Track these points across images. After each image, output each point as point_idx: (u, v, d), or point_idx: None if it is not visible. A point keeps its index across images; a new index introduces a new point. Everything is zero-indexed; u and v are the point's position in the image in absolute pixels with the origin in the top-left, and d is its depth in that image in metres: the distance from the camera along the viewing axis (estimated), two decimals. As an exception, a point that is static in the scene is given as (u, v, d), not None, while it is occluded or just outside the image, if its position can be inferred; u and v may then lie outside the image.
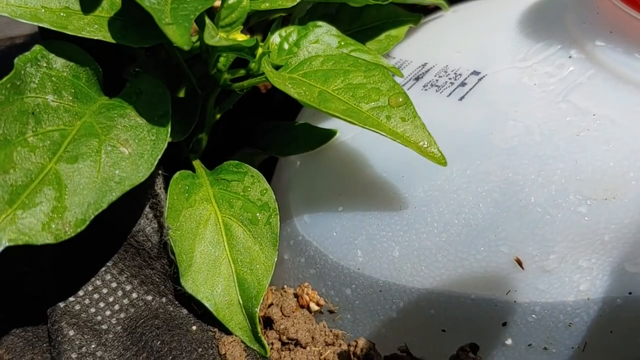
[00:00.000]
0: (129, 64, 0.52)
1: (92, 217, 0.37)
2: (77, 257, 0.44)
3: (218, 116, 0.54)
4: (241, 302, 0.44)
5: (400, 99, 0.43)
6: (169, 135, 0.40)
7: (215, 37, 0.40)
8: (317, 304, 0.48)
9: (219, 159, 0.53)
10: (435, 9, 0.63)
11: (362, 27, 0.57)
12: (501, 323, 0.44)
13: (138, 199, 0.44)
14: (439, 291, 0.45)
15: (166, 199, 0.44)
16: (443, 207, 0.45)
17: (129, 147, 0.40)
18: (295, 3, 0.50)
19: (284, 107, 0.68)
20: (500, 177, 0.44)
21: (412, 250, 0.45)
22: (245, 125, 0.59)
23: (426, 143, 0.42)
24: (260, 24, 0.61)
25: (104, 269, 0.45)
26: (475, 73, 0.49)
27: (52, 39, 0.43)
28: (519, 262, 0.43)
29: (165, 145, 0.40)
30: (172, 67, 0.52)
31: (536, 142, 0.44)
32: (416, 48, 0.57)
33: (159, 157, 0.40)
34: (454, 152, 0.44)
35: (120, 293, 0.45)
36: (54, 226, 0.36)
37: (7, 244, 0.35)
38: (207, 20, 0.40)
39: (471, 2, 0.62)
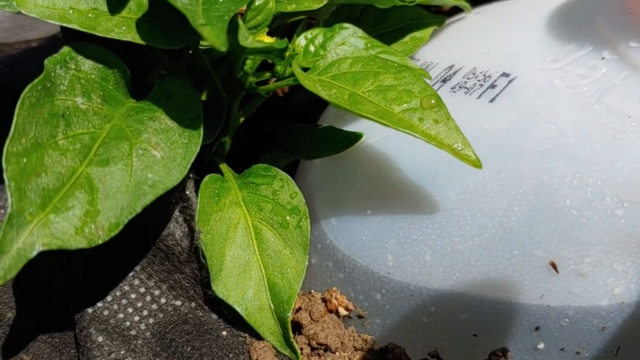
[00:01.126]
0: (152, 68, 0.51)
1: (126, 221, 0.37)
2: (105, 262, 0.44)
3: (242, 119, 0.54)
4: (272, 306, 0.44)
5: (433, 101, 0.43)
6: (201, 138, 0.40)
7: (248, 38, 0.40)
8: (346, 308, 0.47)
9: (241, 162, 0.53)
10: (458, 10, 0.62)
11: (386, 29, 0.57)
12: (534, 327, 0.44)
13: (167, 202, 0.44)
14: (471, 295, 0.44)
15: (197, 202, 0.43)
16: (476, 210, 0.44)
17: (161, 150, 0.39)
18: (322, 4, 0.49)
19: (302, 110, 0.67)
20: (535, 180, 0.44)
21: (444, 254, 0.45)
22: (267, 129, 0.58)
23: (461, 145, 0.41)
24: (280, 27, 0.61)
25: (132, 274, 0.44)
26: (505, 75, 0.49)
27: (75, 41, 0.42)
28: (554, 266, 0.43)
29: (198, 149, 0.39)
30: (196, 70, 0.51)
31: (571, 144, 0.44)
32: (441, 50, 0.56)
33: (192, 160, 0.39)
34: (486, 154, 0.43)
35: (149, 298, 0.44)
36: (87, 230, 0.36)
37: (41, 249, 0.34)
38: (240, 22, 0.39)
39: (493, 4, 0.62)
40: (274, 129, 0.57)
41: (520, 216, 0.43)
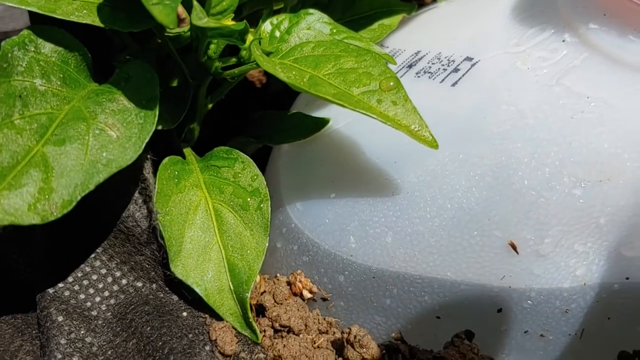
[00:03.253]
0: (120, 53, 0.52)
1: (79, 198, 0.37)
2: (67, 244, 0.44)
3: (210, 106, 0.54)
4: (232, 287, 0.44)
5: (392, 83, 0.43)
6: (156, 118, 0.40)
7: (203, 18, 0.40)
8: (310, 291, 0.48)
9: (211, 149, 0.53)
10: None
11: (354, 16, 0.57)
12: (496, 309, 0.44)
13: (127, 184, 0.44)
14: (432, 277, 0.45)
15: (155, 184, 0.44)
16: (436, 191, 0.45)
17: (117, 130, 0.40)
18: (288, -10, 0.50)
19: (277, 100, 0.67)
20: (494, 161, 0.44)
21: (404, 236, 0.45)
22: (237, 116, 0.59)
23: (417, 126, 0.41)
24: (252, 15, 0.61)
25: (93, 255, 0.44)
26: (469, 59, 0.49)
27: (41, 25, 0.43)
28: (514, 247, 0.43)
29: (153, 128, 0.40)
30: (164, 57, 0.52)
31: (530, 125, 0.44)
32: (409, 37, 0.56)
33: (147, 139, 0.39)
34: (447, 137, 0.44)
35: (110, 279, 0.44)
36: (40, 207, 0.36)
37: (-8, 225, 0.35)
38: (195, 2, 0.40)
39: (466, -7, 0.62)
40: (244, 115, 0.58)
41: (479, 197, 0.44)
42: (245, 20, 0.44)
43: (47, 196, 0.36)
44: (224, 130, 0.59)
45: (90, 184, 0.37)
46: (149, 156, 0.44)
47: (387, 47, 0.56)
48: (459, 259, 0.44)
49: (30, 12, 0.49)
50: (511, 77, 0.46)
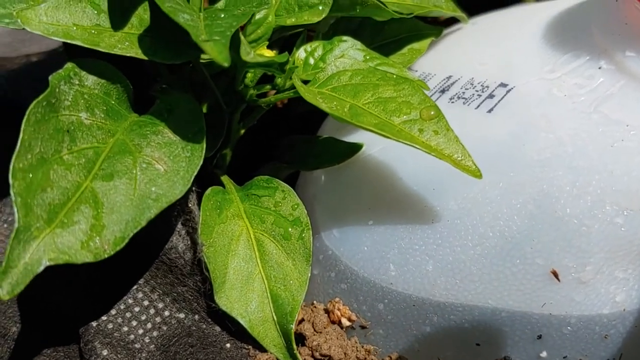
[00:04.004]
0: (153, 82, 0.52)
1: (131, 234, 0.37)
2: (109, 276, 0.44)
3: (242, 132, 0.54)
4: (275, 318, 0.44)
5: (432, 112, 0.43)
6: (204, 151, 0.40)
7: (250, 53, 0.40)
8: (349, 319, 0.48)
9: (242, 174, 0.53)
10: (454, 21, 0.62)
11: (384, 41, 0.57)
12: (536, 336, 0.44)
13: (170, 215, 0.44)
14: (473, 305, 0.45)
15: (199, 215, 0.44)
16: (477, 219, 0.45)
17: (164, 164, 0.40)
18: (321, 18, 0.50)
19: (301, 121, 0.67)
20: (535, 189, 0.44)
21: (446, 264, 0.45)
22: (267, 140, 0.59)
23: (460, 156, 0.42)
24: (278, 40, 0.61)
25: (135, 287, 0.44)
26: (503, 85, 0.49)
27: (78, 57, 0.43)
28: (555, 274, 0.43)
29: (201, 162, 0.40)
30: (196, 83, 0.52)
31: (569, 153, 0.44)
32: (439, 61, 0.57)
33: (195, 173, 0.39)
34: (486, 164, 0.43)
35: (152, 311, 0.44)
36: (92, 245, 0.36)
37: (48, 263, 0.35)
38: (242, 37, 0.40)
39: (489, 14, 0.62)
40: (273, 140, 0.58)
41: (521, 225, 0.44)
42: (286, 53, 0.44)
43: (99, 233, 0.36)
44: (254, 153, 0.59)
45: (141, 220, 0.37)
46: (193, 188, 0.44)
47: (417, 72, 0.56)
48: (501, 286, 0.44)
49: (65, 43, 0.49)
50: (548, 104, 0.47)
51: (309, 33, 0.68)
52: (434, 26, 0.59)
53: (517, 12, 0.61)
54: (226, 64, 0.36)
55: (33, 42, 0.71)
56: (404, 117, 0.43)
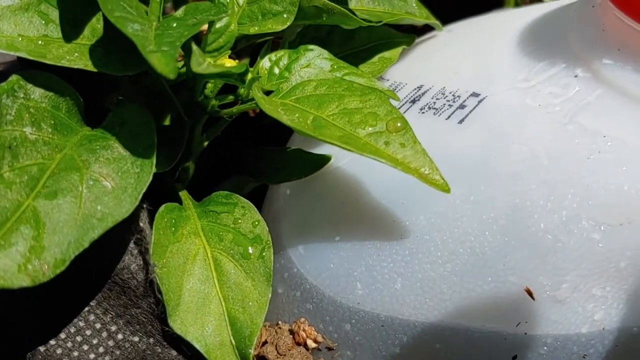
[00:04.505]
0: (112, 92, 0.50)
1: (72, 257, 0.35)
2: (59, 297, 0.42)
3: (205, 144, 0.52)
4: (234, 342, 0.42)
5: (399, 124, 0.41)
6: (153, 167, 0.38)
7: (202, 64, 0.38)
8: (315, 340, 0.46)
9: (206, 188, 0.51)
10: (429, 29, 0.61)
11: (354, 49, 0.55)
12: (511, 357, 0.42)
13: (122, 234, 0.42)
14: (444, 324, 0.43)
15: (151, 234, 0.41)
16: (447, 235, 0.43)
17: (112, 180, 0.37)
18: (285, 27, 0.48)
19: (273, 131, 0.65)
20: (507, 203, 0.42)
21: (415, 282, 0.43)
22: (232, 152, 0.57)
23: (427, 169, 0.40)
24: (247, 48, 0.59)
25: (87, 309, 0.42)
26: (475, 95, 0.47)
27: (31, 69, 0.40)
28: (529, 293, 0.41)
29: (150, 178, 0.38)
30: (156, 94, 0.49)
31: (543, 166, 0.42)
32: (410, 70, 0.55)
33: (144, 190, 0.37)
34: (456, 177, 0.41)
35: (105, 334, 0.42)
36: (30, 268, 0.34)
37: (-20, 289, 0.32)
38: (194, 47, 0.38)
39: (465, 21, 0.61)
40: (240, 152, 0.56)
41: (493, 241, 0.42)
42: (245, 62, 0.42)
43: (38, 255, 0.34)
44: (219, 166, 0.57)
45: (84, 241, 0.35)
46: (144, 205, 0.42)
47: (388, 81, 0.54)
48: (472, 305, 0.42)
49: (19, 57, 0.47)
50: (521, 114, 0.45)
51: (276, 40, 0.66)
52: (406, 34, 0.57)
53: (493, 19, 0.59)
54: (172, 76, 0.34)
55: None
56: (370, 129, 0.41)
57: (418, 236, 0.43)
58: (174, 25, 0.39)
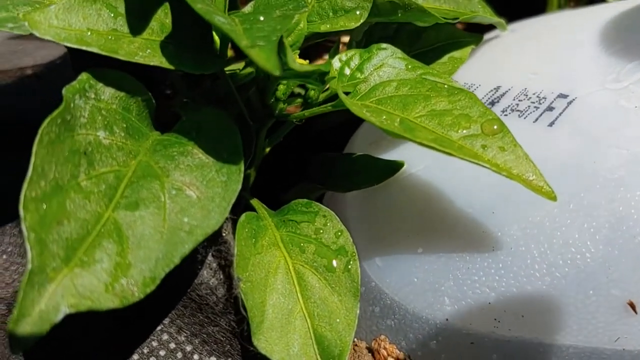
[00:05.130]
0: (165, 97, 0.47)
1: (163, 274, 0.31)
2: (130, 316, 0.38)
3: (268, 150, 0.49)
4: (321, 363, 0.38)
5: (495, 127, 0.38)
6: (242, 174, 0.35)
7: (295, 61, 0.35)
8: (397, 359, 0.42)
9: (266, 197, 0.48)
10: (489, 28, 0.58)
11: (422, 49, 0.52)
12: (607, 374, 0.39)
13: (199, 247, 0.38)
14: (538, 341, 0.40)
15: (234, 246, 0.38)
16: (545, 246, 0.40)
17: (197, 190, 0.34)
18: (358, 24, 0.45)
19: (321, 139, 0.63)
20: (610, 211, 0.39)
21: (510, 297, 0.40)
22: (296, 159, 0.53)
23: (532, 175, 0.37)
24: (304, 49, 0.56)
25: (159, 327, 0.39)
26: (563, 96, 0.44)
27: (85, 68, 0.37)
28: (632, 306, 0.38)
29: (239, 187, 0.34)
30: (219, 98, 0.46)
31: (648, 171, 0.39)
32: (482, 70, 0.52)
33: (233, 200, 0.34)
34: (552, 184, 0.38)
35: (179, 355, 0.39)
36: (118, 287, 0.30)
37: (67, 311, 0.29)
38: (286, 42, 0.34)
39: (527, 21, 0.58)
40: (300, 158, 0.53)
41: (595, 252, 0.39)
42: (330, 61, 0.39)
43: (125, 273, 0.31)
44: (278, 174, 0.54)
45: (174, 256, 0.32)
46: (229, 215, 0.39)
47: (459, 82, 0.51)
48: (571, 321, 0.39)
49: (72, 54, 0.44)
50: (617, 116, 0.42)
51: (327, 43, 0.63)
52: (473, 34, 0.54)
53: (559, 20, 0.56)
54: (277, 72, 0.31)
55: (26, 53, 0.66)
56: (464, 131, 0.38)
57: (512, 248, 0.40)
58: (260, 19, 0.36)
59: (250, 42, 0.32)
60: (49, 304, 0.29)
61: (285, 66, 0.34)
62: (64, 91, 0.34)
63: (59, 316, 0.29)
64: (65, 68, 0.61)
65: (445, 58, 0.52)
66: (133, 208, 0.33)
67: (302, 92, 0.46)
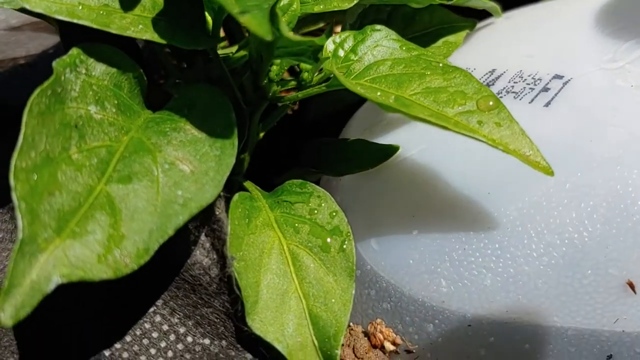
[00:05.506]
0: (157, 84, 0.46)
1: (157, 246, 0.31)
2: (122, 297, 0.38)
3: (262, 134, 0.48)
4: (316, 343, 0.38)
5: (491, 102, 0.38)
6: (236, 148, 0.34)
7: (288, 30, 0.35)
8: (393, 342, 0.42)
9: (260, 182, 0.47)
10: (484, 15, 0.57)
11: (416, 33, 0.52)
12: (606, 356, 0.38)
13: (190, 226, 0.38)
14: (536, 323, 0.39)
15: (228, 224, 0.38)
16: (541, 226, 0.39)
17: (190, 164, 0.34)
18: (352, 4, 0.44)
19: (316, 127, 0.62)
20: (607, 190, 0.39)
21: (507, 278, 0.39)
22: (285, 145, 0.53)
23: (528, 150, 0.36)
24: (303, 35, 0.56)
25: (152, 309, 0.38)
26: (558, 77, 0.44)
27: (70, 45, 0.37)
28: (631, 286, 0.38)
29: (234, 160, 0.34)
30: (211, 79, 0.46)
31: (645, 149, 0.39)
32: (478, 54, 0.52)
33: (227, 174, 0.34)
34: (550, 164, 0.38)
35: (173, 337, 0.38)
36: (111, 258, 0.30)
37: (60, 281, 0.28)
38: (278, 10, 0.34)
39: (524, 8, 0.58)
40: (293, 144, 0.52)
41: (593, 231, 0.39)
42: (324, 35, 0.38)
43: (117, 244, 0.30)
44: (272, 160, 0.53)
45: (168, 228, 0.31)
46: (222, 193, 0.38)
47: (454, 66, 0.51)
48: (569, 301, 0.39)
49: (61, 31, 0.43)
50: (614, 95, 0.42)
51: (317, 32, 0.63)
52: (467, 18, 0.54)
53: (554, 6, 0.56)
54: (269, 37, 0.30)
55: (18, 45, 0.65)
56: (459, 107, 0.37)
57: (509, 228, 0.40)
58: (253, -11, 0.36)
59: (242, 9, 0.32)
60: (40, 274, 0.28)
61: (277, 42, 0.34)
62: (54, 64, 0.33)
63: (51, 286, 0.28)
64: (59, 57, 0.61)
65: (440, 42, 0.51)
66: (126, 181, 0.32)
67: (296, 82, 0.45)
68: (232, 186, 0.45)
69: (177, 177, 0.33)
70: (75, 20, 0.35)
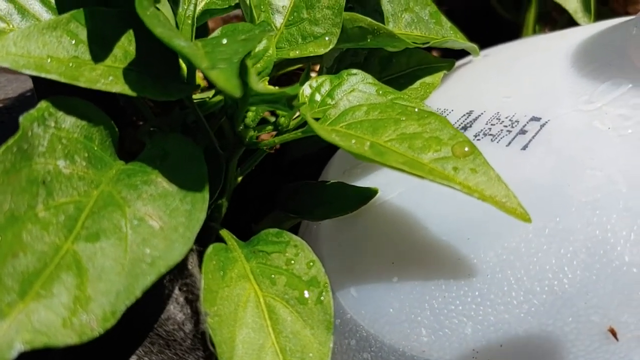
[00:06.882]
0: (131, 126, 0.46)
1: (124, 308, 0.30)
2: (94, 353, 0.37)
3: (240, 179, 0.48)
4: (295, 400, 0.37)
5: (466, 148, 0.37)
6: (207, 202, 0.34)
7: (259, 83, 0.34)
8: (374, 393, 0.41)
9: (237, 227, 0.47)
10: (462, 54, 0.57)
11: (392, 75, 0.52)
12: (589, 404, 0.38)
13: (164, 280, 0.37)
14: (519, 371, 0.38)
15: (201, 279, 0.37)
16: (521, 273, 0.39)
17: (159, 220, 0.33)
18: (327, 49, 0.44)
19: (295, 167, 0.62)
20: (586, 235, 0.38)
21: (487, 326, 0.39)
22: (263, 188, 0.52)
23: (505, 197, 0.36)
24: (274, 77, 0.56)
25: (126, 366, 0.37)
26: (535, 119, 0.44)
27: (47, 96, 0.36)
28: (613, 333, 0.37)
29: (204, 216, 0.33)
30: (187, 126, 0.45)
31: (623, 193, 0.39)
32: (455, 95, 0.51)
33: (197, 230, 0.33)
34: (527, 208, 0.38)
35: (146, 395, 0.37)
36: (76, 322, 0.29)
37: (22, 348, 0.27)
38: (249, 64, 0.34)
39: (501, 46, 0.58)
40: (271, 187, 0.52)
41: (573, 277, 0.38)
42: (297, 84, 0.38)
43: (84, 307, 0.30)
44: (250, 204, 0.52)
45: (135, 289, 0.30)
46: (194, 247, 0.37)
47: (432, 108, 0.51)
48: (551, 349, 0.38)
49: (35, 82, 0.43)
50: (590, 138, 0.41)
51: (297, 71, 0.63)
52: (445, 59, 0.53)
53: (532, 44, 0.56)
54: (237, 94, 0.30)
55: (12, 81, 0.65)
56: (434, 154, 0.37)
57: (489, 275, 0.39)
58: (223, 42, 0.35)
59: (211, 64, 0.32)
60: (2, 341, 0.27)
61: (250, 91, 0.33)
62: (21, 119, 0.33)
63: (13, 354, 0.27)
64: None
65: (417, 84, 0.51)
66: (93, 239, 0.32)
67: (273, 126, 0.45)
68: (209, 234, 0.44)
69: (146, 233, 0.32)
70: (43, 75, 0.34)
